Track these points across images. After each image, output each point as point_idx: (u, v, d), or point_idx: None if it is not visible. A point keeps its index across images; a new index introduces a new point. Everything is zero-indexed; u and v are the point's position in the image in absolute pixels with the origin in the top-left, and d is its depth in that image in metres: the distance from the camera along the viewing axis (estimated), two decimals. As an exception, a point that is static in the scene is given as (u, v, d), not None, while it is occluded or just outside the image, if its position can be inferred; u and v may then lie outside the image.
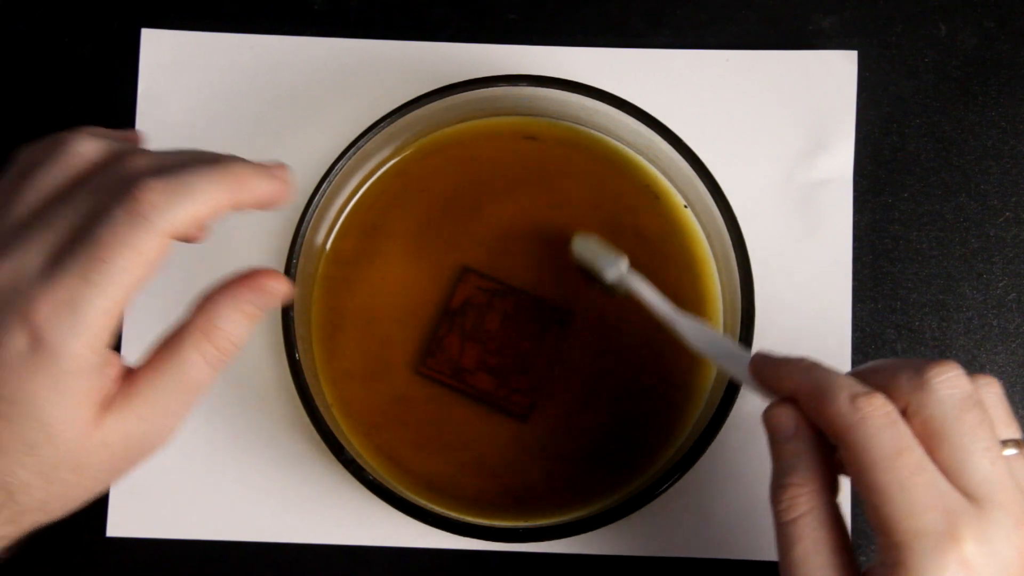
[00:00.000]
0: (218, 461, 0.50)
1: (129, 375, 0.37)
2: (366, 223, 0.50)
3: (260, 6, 0.53)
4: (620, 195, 0.50)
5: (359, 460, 0.46)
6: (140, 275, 0.35)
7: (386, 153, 0.50)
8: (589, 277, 0.47)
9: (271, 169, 0.38)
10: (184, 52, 0.52)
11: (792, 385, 0.38)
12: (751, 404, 0.50)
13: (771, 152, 0.52)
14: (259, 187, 0.37)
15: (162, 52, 0.52)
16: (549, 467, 0.48)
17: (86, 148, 0.37)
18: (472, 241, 0.49)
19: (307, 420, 0.46)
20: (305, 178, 0.49)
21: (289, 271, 0.46)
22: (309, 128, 0.52)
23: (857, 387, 0.36)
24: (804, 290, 0.51)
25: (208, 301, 0.38)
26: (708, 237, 0.49)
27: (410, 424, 0.49)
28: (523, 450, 0.48)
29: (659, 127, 0.47)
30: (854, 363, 0.51)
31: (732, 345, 0.43)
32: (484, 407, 0.48)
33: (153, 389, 0.37)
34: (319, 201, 0.46)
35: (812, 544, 0.36)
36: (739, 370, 0.42)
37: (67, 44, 0.53)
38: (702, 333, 0.44)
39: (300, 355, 0.46)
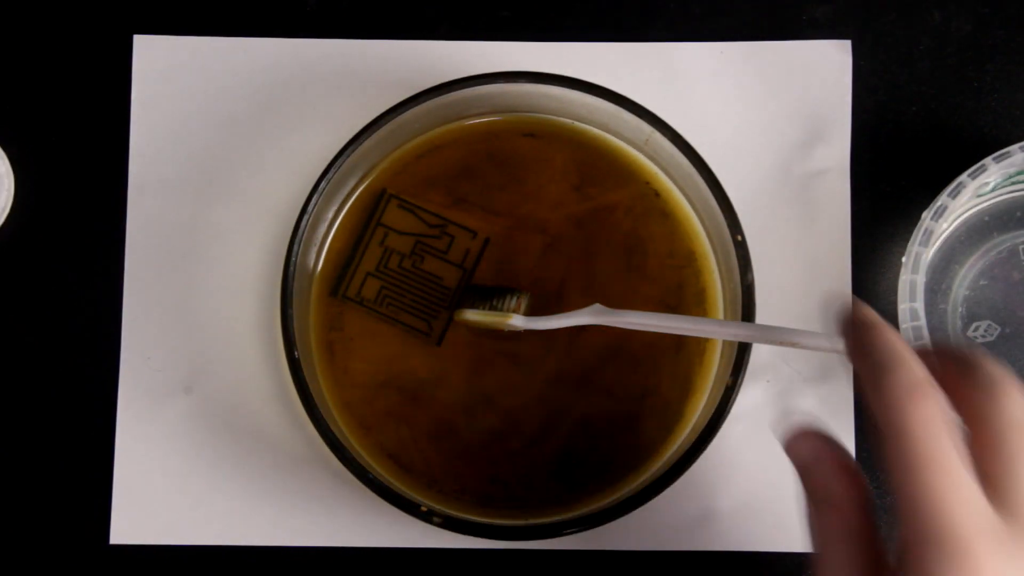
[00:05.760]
0: (219, 465, 0.50)
1: None
2: (364, 222, 0.50)
3: (252, 9, 0.53)
4: (619, 191, 0.50)
5: (360, 460, 0.46)
6: None
7: (384, 153, 0.50)
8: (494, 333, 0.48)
9: None
10: (177, 57, 0.52)
11: (860, 358, 0.36)
12: (752, 398, 0.50)
13: (768, 144, 0.52)
14: None
15: (155, 57, 0.52)
16: (550, 465, 0.48)
17: None
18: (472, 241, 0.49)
19: (307, 421, 0.45)
20: (302, 179, 0.49)
21: (287, 269, 0.46)
22: (305, 129, 0.52)
23: (918, 372, 0.34)
24: (803, 281, 0.51)
25: None
26: (707, 231, 0.49)
27: (411, 424, 0.48)
28: (524, 448, 0.48)
29: (657, 121, 0.47)
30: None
31: (681, 319, 0.44)
32: (488, 405, 0.48)
33: None
34: (317, 200, 0.46)
35: (842, 561, 0.35)
36: (706, 330, 0.44)
37: (59, 51, 0.53)
38: (639, 318, 0.45)
39: (299, 354, 0.45)
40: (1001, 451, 0.34)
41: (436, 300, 0.49)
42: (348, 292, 0.49)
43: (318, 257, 0.49)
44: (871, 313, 0.37)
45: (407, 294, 0.49)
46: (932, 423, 0.34)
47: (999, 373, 0.35)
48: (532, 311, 0.48)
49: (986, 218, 0.52)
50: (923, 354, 0.35)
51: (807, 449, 0.37)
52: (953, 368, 0.35)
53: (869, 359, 0.35)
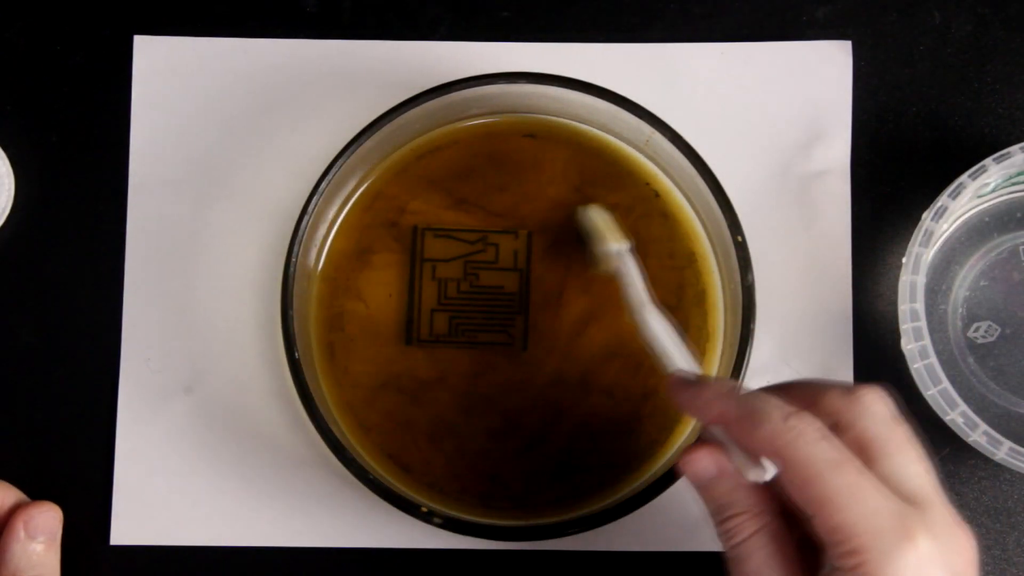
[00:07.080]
0: (220, 466, 0.50)
1: None
2: (365, 222, 0.50)
3: (252, 9, 0.53)
4: (619, 192, 0.50)
5: (360, 460, 0.46)
6: None
7: (384, 154, 0.50)
8: (581, 242, 0.47)
9: None
10: (177, 57, 0.52)
11: (717, 411, 0.38)
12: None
13: (768, 144, 0.52)
14: None
15: (155, 58, 0.52)
16: (550, 466, 0.48)
17: None
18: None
19: (308, 422, 0.45)
20: (302, 179, 0.49)
21: (288, 269, 0.46)
22: (305, 130, 0.52)
23: (785, 407, 0.36)
24: (804, 282, 0.51)
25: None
26: (707, 232, 0.49)
27: (411, 424, 0.48)
28: (524, 449, 0.48)
29: (657, 122, 0.47)
30: (856, 353, 0.51)
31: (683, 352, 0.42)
32: (488, 405, 0.48)
33: None
34: (317, 201, 0.46)
35: (764, 557, 0.37)
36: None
37: (59, 52, 0.53)
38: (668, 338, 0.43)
39: (300, 355, 0.45)
40: (884, 447, 0.36)
41: (506, 309, 0.49)
42: (421, 335, 0.49)
43: (319, 257, 0.49)
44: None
45: (477, 314, 0.49)
46: (820, 434, 0.36)
47: (847, 385, 0.38)
48: (534, 305, 0.48)
49: (986, 219, 0.52)
50: (779, 390, 0.38)
51: (706, 466, 0.38)
52: (801, 399, 0.37)
53: (732, 411, 0.37)
